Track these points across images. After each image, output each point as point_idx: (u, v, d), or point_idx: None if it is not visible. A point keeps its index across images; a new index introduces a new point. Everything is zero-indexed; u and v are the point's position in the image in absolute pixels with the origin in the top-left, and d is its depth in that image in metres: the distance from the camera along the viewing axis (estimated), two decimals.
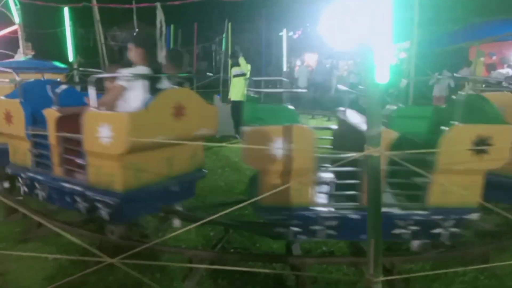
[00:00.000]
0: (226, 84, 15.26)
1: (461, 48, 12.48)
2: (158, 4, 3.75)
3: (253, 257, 3.28)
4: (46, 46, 11.24)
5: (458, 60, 13.80)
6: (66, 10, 12.21)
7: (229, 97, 8.62)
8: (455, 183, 2.58)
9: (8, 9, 8.50)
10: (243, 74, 8.30)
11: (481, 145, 2.52)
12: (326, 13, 17.05)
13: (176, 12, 18.81)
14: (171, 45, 20.25)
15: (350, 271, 3.21)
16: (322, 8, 17.89)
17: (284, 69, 14.50)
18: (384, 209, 1.83)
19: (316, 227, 2.90)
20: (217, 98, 8.99)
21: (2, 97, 3.83)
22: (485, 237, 3.86)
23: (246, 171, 6.11)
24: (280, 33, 24.58)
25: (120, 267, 2.71)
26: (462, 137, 2.66)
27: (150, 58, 3.41)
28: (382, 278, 1.79)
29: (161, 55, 3.32)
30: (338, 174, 2.92)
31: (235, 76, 8.39)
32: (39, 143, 3.59)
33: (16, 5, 8.56)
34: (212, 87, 17.13)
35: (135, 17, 13.93)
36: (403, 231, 2.94)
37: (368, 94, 1.67)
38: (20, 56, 9.43)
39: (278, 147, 2.64)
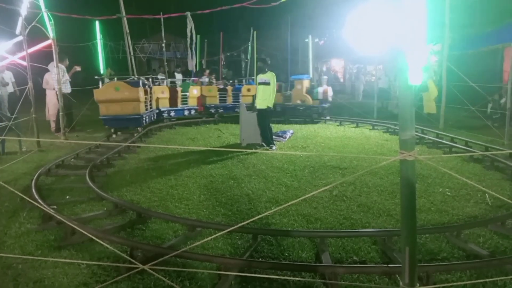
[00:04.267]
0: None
1: (495, 50, 12.04)
2: (188, 13, 3.81)
3: (283, 265, 3.22)
4: (78, 59, 11.63)
5: (492, 62, 13.31)
6: (97, 24, 12.66)
7: (254, 105, 8.63)
8: None
9: (43, 24, 8.89)
10: (268, 83, 8.28)
11: None
12: (352, 17, 16.81)
13: (202, 22, 19.16)
14: (198, 55, 20.63)
15: (382, 281, 3.10)
16: (348, 13, 17.70)
17: (310, 75, 14.39)
18: None
19: None
20: (243, 105, 9.01)
21: None
22: None
23: (272, 179, 6.09)
24: (306, 40, 24.57)
25: (151, 274, 2.74)
26: None
27: None
28: None
29: (191, 63, 3.36)
30: None
31: (260, 83, 8.39)
32: None
33: (50, 20, 8.95)
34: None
35: (163, 27, 14.28)
36: None
37: (400, 96, 1.62)
38: (53, 69, 9.83)
39: None
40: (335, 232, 3.94)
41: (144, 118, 11.11)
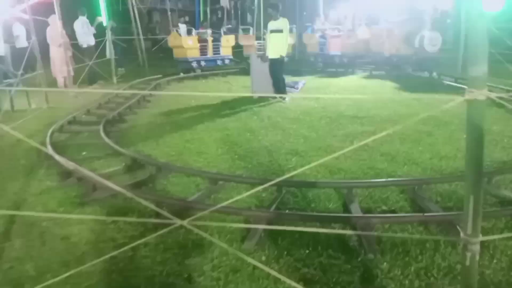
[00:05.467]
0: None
1: None
2: None
3: (313, 217, 3.15)
4: (76, 10, 11.14)
5: None
6: None
7: (266, 54, 8.28)
8: None
9: None
10: (280, 30, 7.88)
11: None
12: None
13: None
14: (201, 5, 19.79)
15: (416, 231, 3.02)
16: None
17: (322, 21, 13.75)
18: None
19: None
20: (254, 56, 8.67)
21: None
22: None
23: (289, 130, 5.95)
24: None
25: (185, 228, 2.67)
26: None
27: None
28: (481, 239, 1.60)
29: None
30: None
31: (272, 31, 8.00)
32: None
33: None
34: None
35: None
36: None
37: (470, 24, 1.40)
38: (54, 22, 9.46)
39: None
40: (362, 182, 3.83)
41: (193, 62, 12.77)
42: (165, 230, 1.99)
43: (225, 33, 14.13)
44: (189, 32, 15.37)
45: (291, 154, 4.87)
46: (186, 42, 12.66)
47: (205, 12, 19.46)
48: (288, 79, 9.43)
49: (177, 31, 12.91)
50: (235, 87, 10.38)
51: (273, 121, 6.51)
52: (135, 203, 3.49)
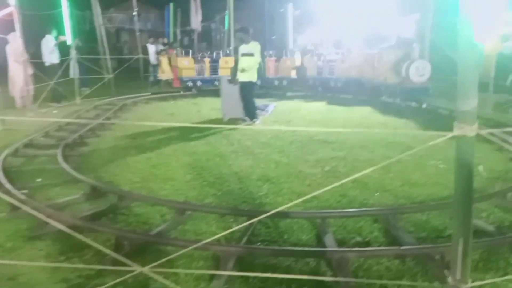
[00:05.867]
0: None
1: None
2: None
3: (286, 252, 2.97)
4: (42, 29, 10.76)
5: None
6: None
7: (236, 77, 8.20)
8: None
9: None
10: (252, 54, 7.85)
11: None
12: None
13: None
14: (171, 25, 19.65)
15: (392, 264, 2.90)
16: None
17: (290, 47, 13.94)
18: None
19: None
20: (224, 78, 8.56)
21: None
22: None
23: (260, 155, 5.81)
24: (281, 10, 23.86)
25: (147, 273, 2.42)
26: None
27: None
28: (471, 284, 1.47)
29: (196, 20, 2.93)
30: None
31: (243, 55, 7.94)
32: None
33: None
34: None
35: None
36: None
37: (460, 56, 1.31)
38: (15, 40, 9.02)
39: None
40: (337, 212, 3.70)
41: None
42: (122, 278, 1.75)
43: (227, 55, 14.45)
44: (159, 52, 15.21)
45: (262, 181, 4.70)
46: (181, 62, 13.35)
47: (175, 34, 19.32)
48: (259, 102, 9.40)
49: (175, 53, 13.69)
50: (205, 109, 10.20)
51: (243, 145, 6.36)
52: (93, 236, 3.21)
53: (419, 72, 9.57)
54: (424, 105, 9.81)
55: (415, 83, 9.63)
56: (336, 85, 12.57)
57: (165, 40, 18.49)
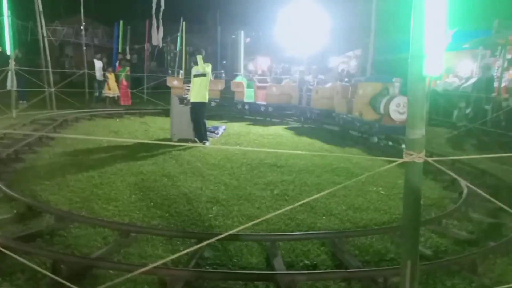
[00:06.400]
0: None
1: None
2: None
3: (235, 275, 2.92)
4: None
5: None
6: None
7: (188, 98, 8.15)
8: None
9: None
10: (204, 75, 7.88)
11: None
12: (281, 17, 17.03)
13: (126, 7, 17.88)
14: (120, 43, 19.24)
15: (339, 286, 2.96)
16: (277, 13, 17.91)
17: (241, 71, 14.19)
18: None
19: None
20: (175, 98, 8.46)
21: None
22: (462, 245, 3.84)
23: (210, 177, 5.74)
24: (233, 36, 24.37)
25: None
26: None
27: None
28: None
29: (157, 37, 2.88)
30: None
31: (195, 76, 7.94)
32: None
33: None
34: (164, 87, 16.45)
35: (82, 10, 12.95)
36: None
37: (410, 89, 1.41)
38: None
39: None
40: (286, 235, 3.73)
41: None
42: None
43: (216, 77, 14.79)
44: (105, 69, 14.74)
45: (212, 203, 4.64)
46: (171, 82, 13.83)
47: (124, 51, 18.91)
48: (210, 123, 9.38)
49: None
50: (153, 129, 9.96)
51: (192, 166, 6.26)
52: (26, 259, 2.94)
53: (400, 109, 8.64)
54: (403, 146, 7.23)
55: (394, 121, 8.75)
56: (311, 116, 12.46)
57: (127, 57, 18.07)
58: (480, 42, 12.13)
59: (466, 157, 6.15)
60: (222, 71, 15.00)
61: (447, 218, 4.40)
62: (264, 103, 13.77)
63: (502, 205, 2.12)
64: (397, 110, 8.67)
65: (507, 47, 11.39)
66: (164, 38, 21.14)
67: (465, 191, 5.09)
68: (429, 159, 1.46)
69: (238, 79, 14.53)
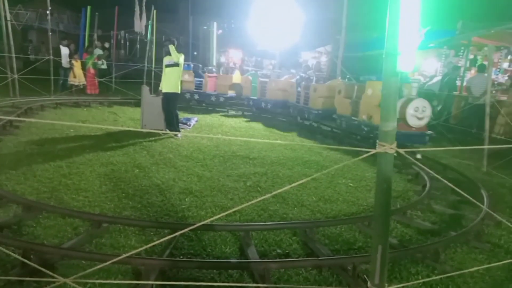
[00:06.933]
0: (150, 74, 14.45)
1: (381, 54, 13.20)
2: None
3: (210, 264, 2.96)
4: None
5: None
6: None
7: (160, 88, 8.04)
8: None
9: None
10: (176, 64, 7.78)
11: None
12: (253, 10, 17.00)
13: None
14: (87, 30, 18.59)
15: (310, 274, 3.07)
16: (250, 6, 17.86)
17: (214, 63, 14.09)
18: None
19: None
20: (145, 88, 8.31)
21: None
22: (425, 234, 4.05)
23: (182, 168, 5.73)
24: (205, 27, 24.08)
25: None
26: None
27: None
28: None
29: (139, 24, 2.82)
30: None
31: (167, 66, 7.83)
32: None
33: None
34: (134, 77, 16.11)
35: None
36: None
37: (384, 84, 1.50)
38: None
39: None
40: (259, 225, 3.80)
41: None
42: None
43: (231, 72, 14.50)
44: (71, 56, 14.21)
45: (185, 194, 4.64)
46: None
47: (91, 37, 18.30)
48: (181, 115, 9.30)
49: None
50: (122, 119, 9.76)
51: (164, 158, 6.21)
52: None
53: (419, 113, 7.53)
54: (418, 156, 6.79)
55: (411, 127, 7.64)
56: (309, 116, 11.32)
57: (106, 44, 17.48)
58: (445, 42, 12.62)
59: (433, 149, 6.34)
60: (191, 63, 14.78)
61: (411, 209, 4.61)
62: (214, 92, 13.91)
63: (467, 196, 2.27)
64: (415, 115, 7.49)
65: (470, 48, 11.95)
66: (132, 27, 20.62)
67: (428, 184, 5.35)
68: (400, 150, 1.55)
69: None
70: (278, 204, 4.60)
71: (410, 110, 7.51)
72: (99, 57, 14.97)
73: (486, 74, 8.43)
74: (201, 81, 13.75)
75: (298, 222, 3.96)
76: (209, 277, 2.87)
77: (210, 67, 14.86)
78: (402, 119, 7.56)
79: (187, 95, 13.43)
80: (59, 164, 5.42)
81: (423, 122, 7.70)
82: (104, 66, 15.24)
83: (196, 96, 13.64)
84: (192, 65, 14.64)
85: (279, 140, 8.72)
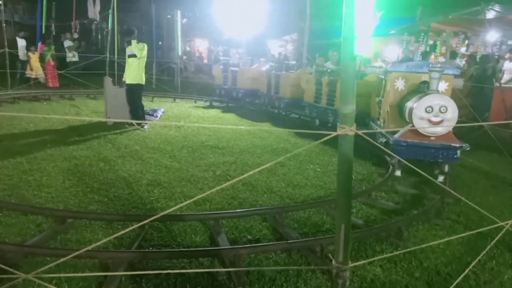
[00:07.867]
0: (113, 65, 14.02)
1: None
2: None
3: (180, 253, 2.96)
4: None
5: None
6: None
7: (123, 79, 7.83)
8: None
9: None
10: (136, 55, 7.57)
11: None
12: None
13: None
14: (43, 20, 17.75)
15: (280, 258, 3.12)
16: None
17: (179, 53, 13.83)
18: None
19: None
20: (108, 79, 8.07)
21: None
22: (389, 214, 4.21)
23: (150, 160, 5.65)
24: (168, 16, 23.54)
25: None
26: None
27: None
28: (351, 265, 1.71)
29: (93, 10, 2.72)
30: None
31: (129, 56, 7.64)
32: None
33: None
34: (95, 68, 15.57)
35: None
36: None
37: (342, 68, 1.53)
38: None
39: None
40: (228, 213, 3.82)
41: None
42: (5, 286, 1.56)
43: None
44: (28, 47, 13.55)
45: (153, 186, 4.58)
46: (215, 70, 13.69)
47: (48, 28, 17.50)
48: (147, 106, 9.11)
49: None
50: (85, 112, 9.46)
51: (131, 150, 6.09)
52: None
53: (432, 116, 4.93)
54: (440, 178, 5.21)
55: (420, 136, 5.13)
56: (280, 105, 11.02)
57: (75, 36, 16.69)
58: (405, 29, 12.97)
59: (390, 130, 6.39)
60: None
61: (375, 191, 4.76)
62: None
63: (427, 176, 2.37)
64: (428, 117, 4.93)
65: (429, 34, 12.34)
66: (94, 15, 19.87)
67: (391, 166, 5.53)
68: (359, 132, 1.60)
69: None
70: (248, 191, 4.63)
71: (418, 111, 4.96)
72: (69, 49, 14.35)
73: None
74: None
75: (267, 208, 4.00)
76: (179, 267, 2.87)
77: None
78: (409, 124, 5.18)
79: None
80: (19, 161, 5.20)
81: (443, 129, 5.02)
82: (76, 58, 14.64)
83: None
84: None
85: (248, 129, 8.75)
